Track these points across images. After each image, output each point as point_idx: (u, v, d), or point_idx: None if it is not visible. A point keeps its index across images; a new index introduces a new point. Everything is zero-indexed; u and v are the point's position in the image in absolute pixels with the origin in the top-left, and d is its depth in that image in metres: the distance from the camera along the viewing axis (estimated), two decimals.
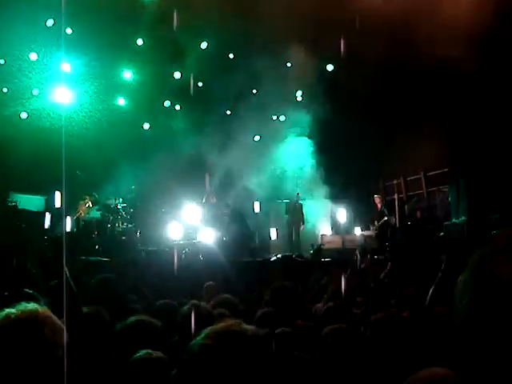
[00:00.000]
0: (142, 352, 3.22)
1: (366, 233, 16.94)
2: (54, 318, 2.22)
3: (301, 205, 17.72)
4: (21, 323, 2.10)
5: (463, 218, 15.16)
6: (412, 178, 19.40)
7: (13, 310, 2.14)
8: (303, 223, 17.63)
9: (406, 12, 14.00)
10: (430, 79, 15.47)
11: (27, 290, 4.45)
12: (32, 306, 2.21)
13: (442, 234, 15.41)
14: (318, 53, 17.93)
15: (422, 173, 18.80)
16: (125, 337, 3.61)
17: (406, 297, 5.43)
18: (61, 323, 2.23)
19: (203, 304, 4.46)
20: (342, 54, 17.07)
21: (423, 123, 16.50)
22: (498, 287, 1.07)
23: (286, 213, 17.80)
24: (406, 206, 18.99)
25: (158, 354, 3.24)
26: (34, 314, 2.15)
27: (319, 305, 5.31)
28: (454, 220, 15.71)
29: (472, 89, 14.95)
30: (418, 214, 18.16)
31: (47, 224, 14.50)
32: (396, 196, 19.60)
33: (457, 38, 13.88)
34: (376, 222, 16.87)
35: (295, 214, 17.61)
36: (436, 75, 15.35)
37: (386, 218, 16.71)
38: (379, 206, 17.04)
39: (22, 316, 2.13)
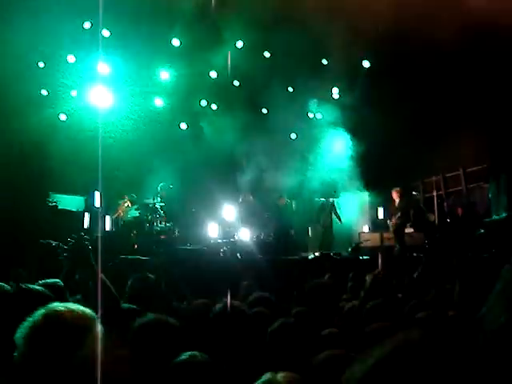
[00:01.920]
0: (186, 354, 3.18)
1: (406, 230, 16.75)
2: (87, 314, 2.24)
3: (333, 203, 17.57)
4: (72, 326, 2.13)
5: (504, 214, 14.93)
6: (451, 174, 19.13)
7: (62, 308, 2.17)
8: (339, 220, 17.47)
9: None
10: (470, 74, 15.27)
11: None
12: (81, 308, 2.23)
13: (482, 231, 15.21)
14: (355, 49, 17.84)
15: (462, 169, 18.54)
16: (141, 335, 3.57)
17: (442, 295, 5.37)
18: (95, 317, 2.25)
19: (236, 303, 4.45)
20: (378, 50, 17.00)
21: (462, 119, 16.31)
22: None
23: (321, 211, 17.70)
24: (446, 203, 18.78)
25: (203, 356, 3.21)
26: (85, 319, 2.17)
27: (355, 302, 5.26)
28: (494, 216, 15.48)
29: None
30: (459, 210, 17.92)
31: (86, 224, 14.68)
32: (435, 193, 19.40)
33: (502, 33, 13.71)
34: (393, 218, 16.37)
35: (328, 212, 17.51)
36: (476, 70, 15.15)
37: (399, 214, 16.27)
38: (397, 200, 16.55)
39: (75, 319, 2.15)
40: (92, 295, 3.79)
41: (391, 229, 16.40)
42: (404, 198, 16.54)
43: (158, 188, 16.04)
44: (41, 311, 2.20)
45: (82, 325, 2.19)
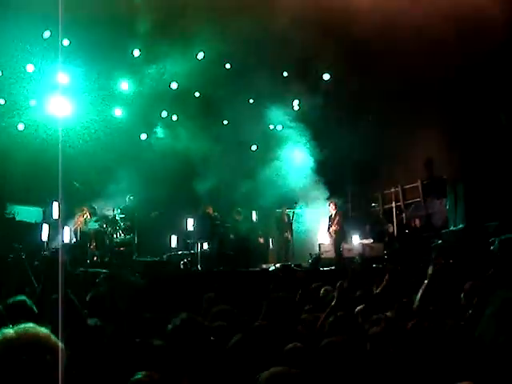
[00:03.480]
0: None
1: (365, 241, 16.92)
2: (54, 339, 2.19)
3: (290, 214, 17.66)
4: (21, 346, 2.08)
5: (461, 225, 15.18)
6: (409, 186, 19.36)
7: (11, 331, 2.12)
8: (291, 232, 17.56)
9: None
10: (427, 87, 15.52)
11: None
12: (31, 327, 2.18)
13: (439, 241, 15.43)
14: (315, 62, 18.02)
15: (419, 181, 18.80)
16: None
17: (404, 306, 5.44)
18: (60, 344, 2.20)
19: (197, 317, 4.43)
20: (338, 63, 17.18)
21: (421, 130, 16.56)
22: None
23: (279, 222, 17.80)
24: (404, 214, 19.01)
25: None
26: (34, 337, 2.12)
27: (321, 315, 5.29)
28: (451, 227, 15.72)
29: (470, 98, 15.03)
30: (417, 221, 18.16)
31: (45, 236, 14.47)
32: (394, 204, 19.61)
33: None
34: (331, 228, 16.84)
35: (285, 223, 17.60)
36: (435, 83, 15.41)
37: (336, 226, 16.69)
38: (333, 212, 16.98)
39: (22, 339, 2.10)
40: (58, 312, 3.74)
41: (330, 240, 16.88)
42: (338, 211, 17.01)
43: (127, 199, 16.05)
44: (13, 328, 2.15)
45: (50, 346, 2.15)
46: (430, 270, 5.40)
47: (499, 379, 1.14)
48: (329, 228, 16.98)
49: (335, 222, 16.83)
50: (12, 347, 2.07)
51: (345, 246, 16.67)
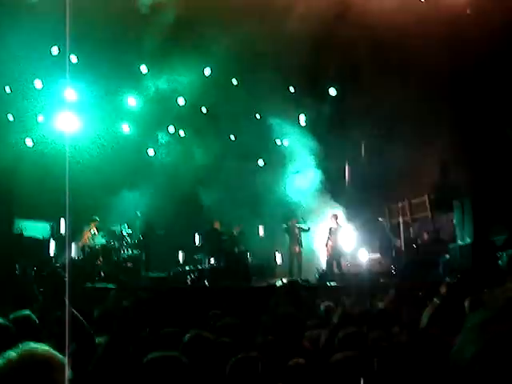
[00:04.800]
0: None
1: (372, 256, 16.87)
2: (57, 357, 2.19)
3: (300, 229, 17.56)
4: (24, 369, 2.09)
5: (469, 240, 15.11)
6: (417, 200, 19.30)
7: (14, 354, 2.12)
8: (300, 247, 17.46)
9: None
10: (436, 101, 15.54)
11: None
12: (35, 347, 2.18)
13: (447, 256, 15.37)
14: (322, 77, 18.09)
15: (427, 195, 18.74)
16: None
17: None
18: (64, 362, 2.21)
19: (205, 333, 4.44)
20: (344, 78, 17.25)
21: (428, 145, 16.55)
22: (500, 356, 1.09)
23: (289, 236, 17.73)
24: (411, 229, 18.94)
25: None
26: (36, 358, 2.13)
27: (324, 331, 5.27)
28: (459, 242, 15.65)
29: (477, 113, 15.04)
30: (424, 236, 18.08)
31: (52, 251, 14.51)
32: (401, 219, 19.54)
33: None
34: (329, 241, 16.80)
35: (294, 237, 17.51)
36: (444, 98, 15.43)
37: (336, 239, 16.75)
38: (333, 226, 16.99)
39: (25, 360, 2.11)
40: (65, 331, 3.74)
41: (327, 255, 16.84)
42: (340, 226, 17.04)
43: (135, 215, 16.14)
44: (16, 349, 2.16)
45: (54, 367, 2.15)
46: (442, 289, 5.30)
47: None
48: (327, 242, 16.97)
49: (335, 237, 16.83)
50: (15, 370, 2.08)
51: (351, 260, 16.60)
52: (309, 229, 17.38)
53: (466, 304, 4.98)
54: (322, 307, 7.31)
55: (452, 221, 16.98)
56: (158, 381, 3.36)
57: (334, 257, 16.65)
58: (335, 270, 16.33)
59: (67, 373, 2.17)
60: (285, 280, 14.85)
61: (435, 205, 18.15)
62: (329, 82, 18.57)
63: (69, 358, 2.26)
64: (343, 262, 16.66)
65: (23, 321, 4.34)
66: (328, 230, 17.10)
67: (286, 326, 4.97)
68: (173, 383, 3.33)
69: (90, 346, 3.98)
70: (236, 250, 16.72)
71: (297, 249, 17.26)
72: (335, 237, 16.83)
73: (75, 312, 3.92)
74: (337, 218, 17.15)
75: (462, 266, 14.03)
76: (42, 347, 2.19)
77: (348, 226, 17.84)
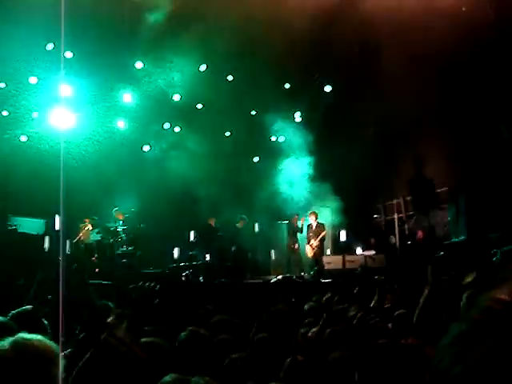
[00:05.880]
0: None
1: (367, 253, 16.90)
2: (51, 348, 2.19)
3: (299, 227, 17.55)
4: (15, 359, 2.08)
5: (463, 236, 15.17)
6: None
7: (5, 344, 2.12)
8: (298, 244, 17.46)
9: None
10: (429, 98, 15.55)
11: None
12: (28, 337, 2.18)
13: (442, 253, 15.42)
14: (317, 74, 18.11)
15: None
16: None
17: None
18: (58, 353, 2.21)
19: (202, 330, 4.45)
20: (340, 75, 17.26)
21: (422, 142, 16.59)
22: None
23: (288, 234, 17.72)
24: (406, 226, 18.99)
25: None
26: (29, 348, 2.13)
27: (314, 329, 5.28)
28: (453, 239, 15.71)
29: (471, 110, 15.06)
30: (419, 233, 18.13)
31: (46, 247, 14.48)
32: (396, 215, 19.61)
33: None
34: (312, 239, 16.90)
35: (293, 234, 17.51)
36: (436, 95, 15.45)
37: (324, 233, 16.86)
38: (314, 224, 17.07)
39: (17, 350, 2.10)
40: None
41: (310, 253, 16.86)
42: (319, 224, 17.19)
43: (113, 212, 16.06)
44: (8, 339, 2.16)
45: (48, 356, 2.16)
46: (425, 291, 5.34)
47: None
48: (309, 240, 17.02)
49: (319, 236, 16.88)
50: (6, 360, 2.08)
51: (347, 257, 16.61)
52: (302, 230, 17.41)
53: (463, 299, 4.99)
54: (307, 307, 7.30)
55: (447, 218, 17.06)
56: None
57: (317, 254, 16.73)
58: (315, 267, 16.40)
59: (61, 363, 2.17)
60: (280, 277, 14.90)
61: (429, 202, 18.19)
62: (324, 78, 18.58)
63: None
64: (324, 259, 16.70)
65: (25, 316, 4.33)
66: (307, 228, 17.19)
67: (280, 322, 4.99)
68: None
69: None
70: (234, 247, 16.73)
71: (295, 245, 17.28)
72: (314, 234, 16.92)
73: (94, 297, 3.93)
74: (316, 216, 17.22)
75: (457, 262, 14.07)
76: (36, 337, 2.19)
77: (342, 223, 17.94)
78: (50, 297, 4.70)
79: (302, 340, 5.15)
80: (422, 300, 5.02)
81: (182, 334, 4.32)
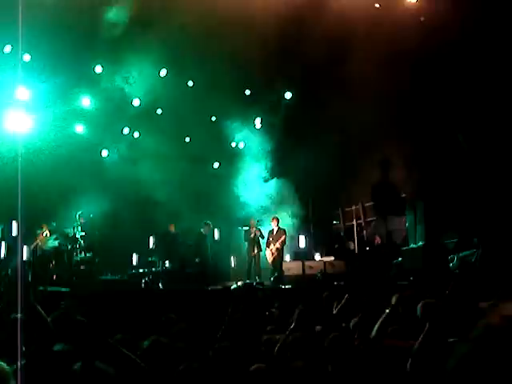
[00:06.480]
0: None
1: (326, 258, 17.00)
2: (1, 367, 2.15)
3: (259, 232, 17.56)
4: None
5: (420, 242, 15.35)
6: (370, 203, 19.53)
7: None
8: (260, 250, 17.46)
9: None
10: (389, 105, 15.72)
11: None
12: None
13: (399, 259, 15.58)
14: (277, 81, 18.17)
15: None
16: None
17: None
18: (8, 372, 2.16)
19: (163, 338, 4.42)
20: (301, 81, 17.36)
21: (381, 150, 16.77)
22: None
23: (245, 240, 17.68)
24: (365, 232, 19.16)
25: None
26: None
27: (280, 336, 5.27)
28: (411, 245, 15.89)
29: (429, 118, 15.30)
30: (377, 239, 18.30)
31: (3, 254, 14.22)
32: (355, 222, 19.77)
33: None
34: (272, 244, 17.07)
35: (253, 240, 17.49)
36: (395, 102, 15.63)
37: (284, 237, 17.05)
38: (275, 228, 17.25)
39: None
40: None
41: (270, 258, 17.07)
42: (281, 229, 17.34)
43: (76, 216, 15.82)
44: None
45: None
46: (393, 300, 5.36)
47: None
48: (269, 244, 17.09)
49: (279, 240, 16.96)
50: None
51: (306, 263, 16.67)
52: (262, 236, 17.44)
53: (419, 308, 5.01)
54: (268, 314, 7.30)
55: (405, 224, 17.26)
56: None
57: (276, 259, 16.81)
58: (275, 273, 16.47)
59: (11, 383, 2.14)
60: (240, 283, 14.88)
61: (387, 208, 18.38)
62: (285, 85, 18.66)
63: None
64: (284, 265, 16.77)
65: None
66: (268, 233, 17.27)
67: (242, 330, 4.98)
68: None
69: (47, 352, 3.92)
70: (197, 258, 16.67)
71: (255, 251, 17.28)
72: (274, 239, 17.01)
73: (39, 308, 3.86)
74: (278, 221, 17.32)
75: (414, 268, 14.24)
76: None
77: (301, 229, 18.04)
78: None
79: (264, 348, 5.14)
80: (381, 320, 5.04)
81: (145, 342, 4.28)
